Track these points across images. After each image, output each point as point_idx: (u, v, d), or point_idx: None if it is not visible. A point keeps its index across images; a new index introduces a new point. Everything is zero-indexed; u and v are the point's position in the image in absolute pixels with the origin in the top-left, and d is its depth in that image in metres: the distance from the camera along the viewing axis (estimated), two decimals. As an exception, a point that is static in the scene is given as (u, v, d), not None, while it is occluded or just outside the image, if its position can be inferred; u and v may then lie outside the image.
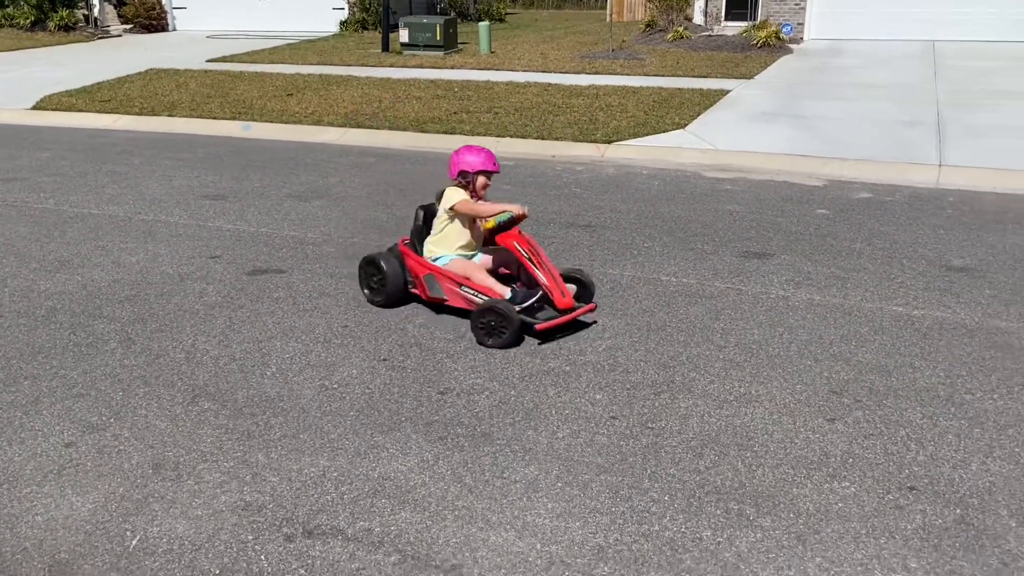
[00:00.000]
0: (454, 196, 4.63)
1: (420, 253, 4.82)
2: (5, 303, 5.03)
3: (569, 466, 3.33)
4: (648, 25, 18.84)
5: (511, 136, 9.61)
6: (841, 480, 3.21)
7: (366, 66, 14.80)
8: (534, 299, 4.46)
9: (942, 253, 5.79)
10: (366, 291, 4.95)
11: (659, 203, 7.15)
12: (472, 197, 4.65)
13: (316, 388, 3.97)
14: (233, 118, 10.62)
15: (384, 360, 4.26)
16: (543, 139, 9.47)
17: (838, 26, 17.85)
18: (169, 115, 10.83)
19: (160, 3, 21.46)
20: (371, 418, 3.70)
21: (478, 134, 9.69)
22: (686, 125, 9.89)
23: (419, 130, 9.96)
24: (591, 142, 9.30)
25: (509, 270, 4.78)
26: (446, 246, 4.73)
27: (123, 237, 6.25)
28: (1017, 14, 16.41)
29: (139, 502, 3.13)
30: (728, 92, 11.83)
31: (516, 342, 4.34)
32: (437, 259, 4.73)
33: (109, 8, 21.29)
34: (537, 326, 4.35)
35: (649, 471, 3.29)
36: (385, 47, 16.48)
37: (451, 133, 9.79)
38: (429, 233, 4.83)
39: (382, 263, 4.78)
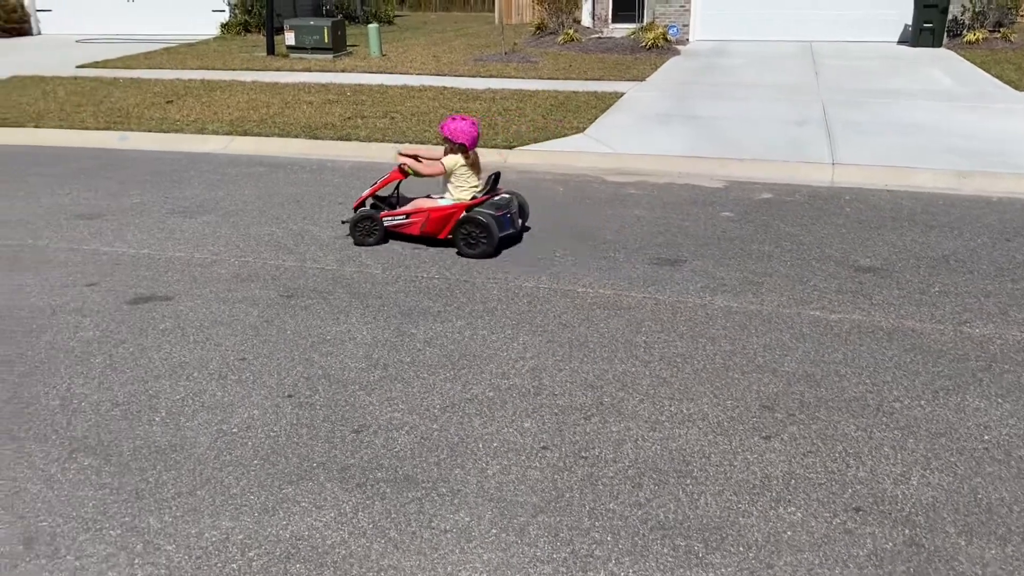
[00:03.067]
0: None
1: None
2: None
3: (503, 508, 3.08)
4: (538, 27, 18.80)
5: (410, 142, 9.28)
6: (787, 505, 3.08)
7: (251, 70, 14.14)
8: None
9: (848, 253, 5.84)
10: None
11: (566, 210, 6.99)
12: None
13: (213, 434, 3.58)
14: (107, 128, 9.87)
15: (289, 397, 3.90)
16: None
17: (721, 27, 18.30)
18: (36, 126, 9.97)
19: (22, 5, 19.96)
20: (278, 466, 3.35)
21: (375, 140, 9.33)
22: (584, 129, 9.81)
23: (311, 137, 9.50)
24: (492, 147, 9.08)
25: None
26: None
27: (-17, 266, 5.61)
28: (887, 15, 17.19)
29: (8, 586, 2.70)
30: (623, 94, 11.85)
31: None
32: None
33: (-38, 10, 19.65)
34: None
35: (588, 507, 3.08)
36: (270, 50, 15.80)
37: (346, 139, 9.39)
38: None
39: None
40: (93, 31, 19.71)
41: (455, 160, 5.95)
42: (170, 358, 4.28)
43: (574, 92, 11.93)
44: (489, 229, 5.71)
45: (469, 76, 13.63)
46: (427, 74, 13.80)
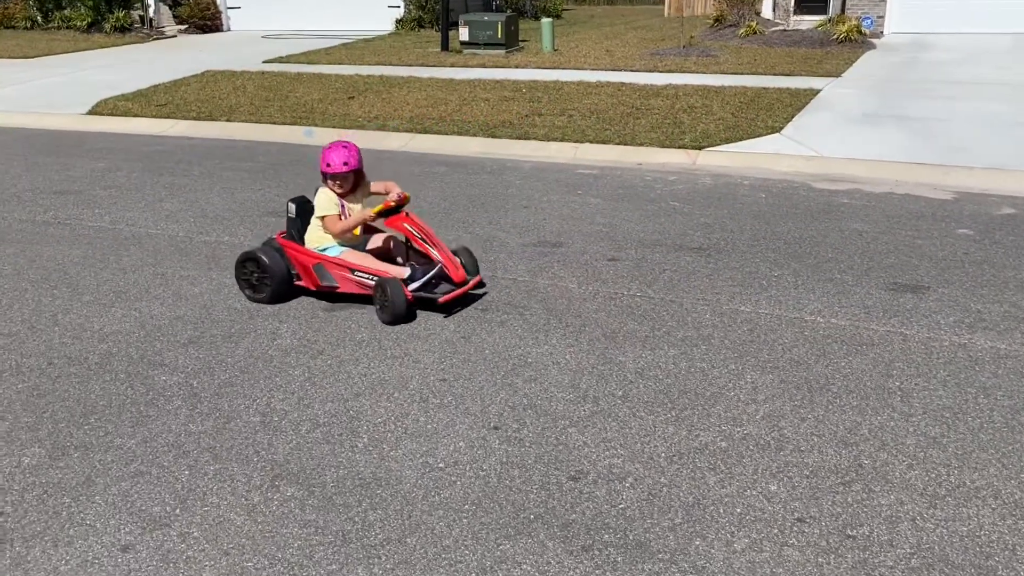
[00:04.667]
0: (323, 204, 4.78)
1: (301, 244, 4.88)
2: (55, 346, 4.43)
3: (761, 597, 2.57)
4: (716, 20, 17.92)
5: (590, 142, 8.87)
6: None
7: (426, 66, 14.16)
8: (432, 274, 4.62)
9: None
10: (247, 291, 4.91)
11: (773, 220, 6.34)
12: (337, 192, 4.79)
13: (419, 468, 3.27)
14: (294, 123, 10.03)
15: (496, 429, 3.55)
16: (625, 144, 8.72)
17: (920, 19, 16.76)
18: (227, 120, 10.29)
19: (215, 3, 21.09)
20: (492, 515, 2.99)
21: (554, 139, 8.98)
22: (781, 128, 9.06)
23: (490, 135, 9.26)
24: (680, 148, 8.52)
25: (398, 254, 4.95)
26: (329, 239, 4.83)
27: (184, 262, 5.64)
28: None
29: (214, 637, 2.47)
30: (818, 91, 10.95)
31: (409, 316, 4.52)
32: (325, 249, 4.80)
33: (164, 9, 20.98)
34: (440, 299, 4.56)
35: (869, 608, 2.52)
36: (444, 46, 15.81)
37: (524, 139, 9.08)
38: (305, 225, 4.91)
39: (263, 258, 4.78)
40: (277, 27, 20.55)
41: None
42: (369, 374, 4.04)
43: (763, 88, 11.13)
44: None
45: (646, 71, 13.07)
46: (601, 69, 13.35)
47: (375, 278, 4.59)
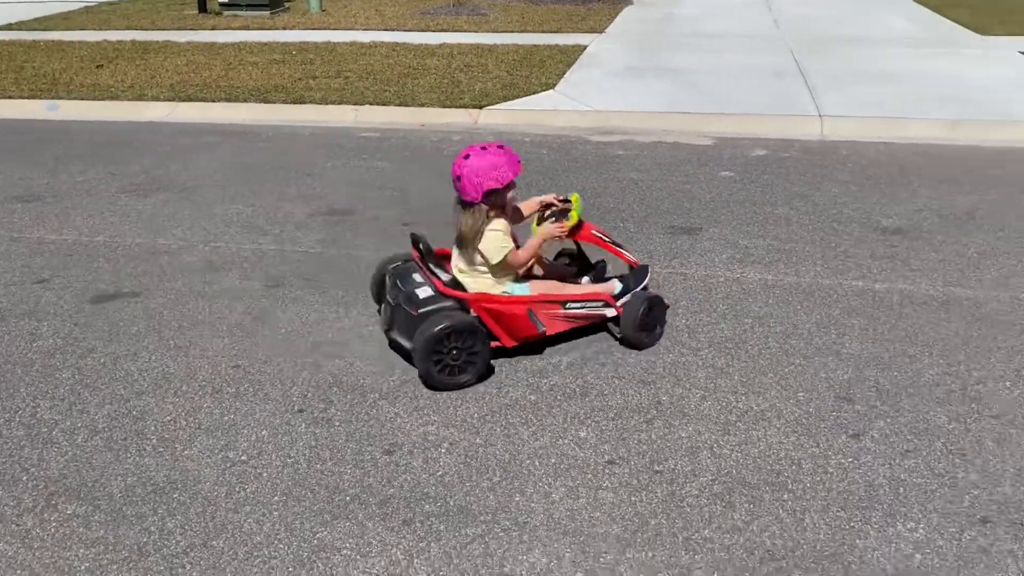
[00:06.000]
0: (498, 244, 3.60)
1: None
2: None
3: (583, 544, 2.63)
4: (484, -23, 18.00)
5: (370, 103, 8.64)
6: (904, 520, 2.71)
7: (184, 29, 13.12)
8: (646, 281, 3.93)
9: (867, 213, 5.51)
10: (446, 378, 3.50)
11: (556, 175, 6.50)
12: (503, 217, 3.66)
13: (218, 464, 3.04)
14: (33, 96, 8.93)
15: (300, 412, 3.36)
16: (406, 106, 8.57)
17: (672, -25, 17.75)
18: (-52, 97, 8.96)
19: (-84, -40, 18.22)
20: (304, 503, 2.83)
21: (331, 102, 8.65)
22: (555, 85, 9.29)
23: (262, 101, 8.76)
24: (461, 107, 8.50)
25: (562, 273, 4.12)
26: (506, 279, 3.76)
27: (-92, 263, 4.86)
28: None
29: None
30: (586, 47, 11.34)
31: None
32: (511, 292, 3.75)
33: None
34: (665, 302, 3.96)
35: (681, 537, 2.65)
36: (202, 7, 14.71)
37: (300, 103, 8.68)
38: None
39: (472, 326, 3.51)
40: (1, -11, 18.14)
41: None
42: (150, 368, 3.69)
43: (535, 46, 11.36)
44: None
45: (419, 31, 12.91)
46: (373, 29, 13.03)
47: (593, 303, 3.75)
